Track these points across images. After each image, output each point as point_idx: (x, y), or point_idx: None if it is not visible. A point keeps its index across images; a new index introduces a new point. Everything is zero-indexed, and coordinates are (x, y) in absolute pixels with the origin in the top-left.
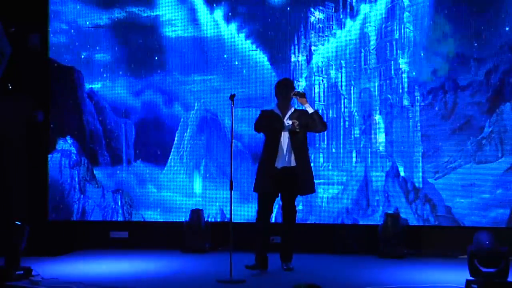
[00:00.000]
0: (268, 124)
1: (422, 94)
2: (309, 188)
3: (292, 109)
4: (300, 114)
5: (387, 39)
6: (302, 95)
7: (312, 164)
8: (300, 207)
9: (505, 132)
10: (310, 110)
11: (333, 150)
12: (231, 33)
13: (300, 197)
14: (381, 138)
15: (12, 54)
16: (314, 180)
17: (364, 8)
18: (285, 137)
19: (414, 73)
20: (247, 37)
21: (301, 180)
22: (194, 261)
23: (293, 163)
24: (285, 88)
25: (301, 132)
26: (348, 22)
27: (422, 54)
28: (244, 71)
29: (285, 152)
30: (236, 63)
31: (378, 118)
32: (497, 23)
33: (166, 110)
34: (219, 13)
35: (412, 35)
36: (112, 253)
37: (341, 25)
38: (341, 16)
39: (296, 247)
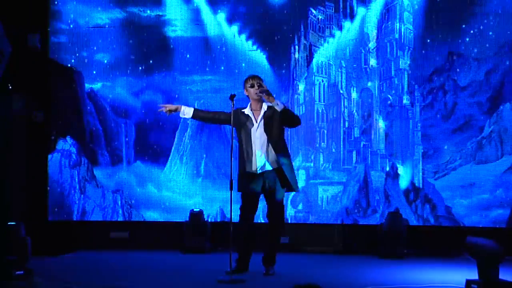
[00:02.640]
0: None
1: (422, 94)
2: (293, 185)
3: (265, 108)
4: (274, 112)
5: (387, 39)
6: (268, 92)
7: (313, 164)
8: (300, 207)
9: (505, 132)
10: (280, 107)
11: (333, 150)
12: (231, 33)
13: (300, 197)
14: (381, 138)
15: (12, 54)
16: (311, 181)
17: (364, 8)
18: (257, 138)
19: (414, 73)
20: (247, 37)
21: (285, 177)
22: (194, 261)
23: (272, 166)
24: (250, 86)
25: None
26: (348, 22)
27: (422, 54)
28: (244, 71)
29: (261, 153)
30: (236, 63)
31: (378, 118)
32: (497, 23)
33: None
34: (219, 13)
35: (412, 35)
36: (112, 253)
37: (341, 25)
38: (341, 16)
39: (296, 247)
